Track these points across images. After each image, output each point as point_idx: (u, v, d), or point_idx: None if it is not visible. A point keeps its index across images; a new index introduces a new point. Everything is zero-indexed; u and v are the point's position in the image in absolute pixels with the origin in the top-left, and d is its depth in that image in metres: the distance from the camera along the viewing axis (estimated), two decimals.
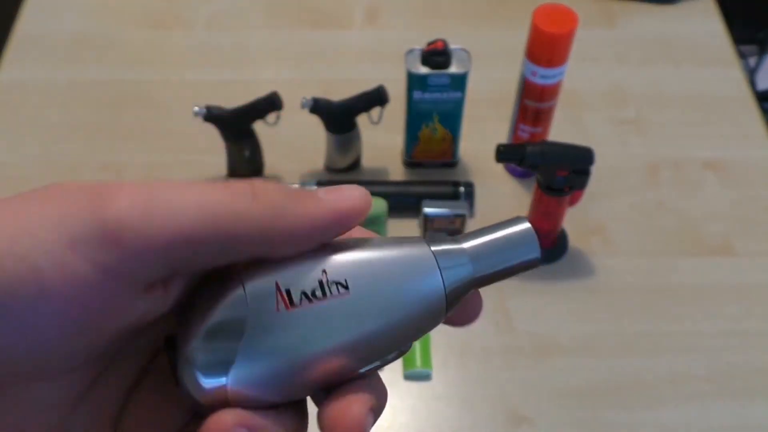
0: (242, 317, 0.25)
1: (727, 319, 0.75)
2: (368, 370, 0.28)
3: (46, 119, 0.90)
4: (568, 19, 0.71)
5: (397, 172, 0.86)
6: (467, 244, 0.28)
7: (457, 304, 0.28)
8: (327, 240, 0.27)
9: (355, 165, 0.85)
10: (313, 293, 0.26)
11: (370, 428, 0.26)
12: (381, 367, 0.29)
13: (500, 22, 1.01)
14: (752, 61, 1.74)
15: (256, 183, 0.25)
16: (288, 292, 0.26)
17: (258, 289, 0.26)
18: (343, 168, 0.85)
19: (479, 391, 0.70)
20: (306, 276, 0.26)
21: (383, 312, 0.27)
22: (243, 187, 0.25)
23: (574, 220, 0.80)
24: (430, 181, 0.82)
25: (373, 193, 0.78)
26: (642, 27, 1.01)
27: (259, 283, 0.26)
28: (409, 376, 0.71)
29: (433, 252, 0.27)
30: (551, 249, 0.79)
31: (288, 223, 0.25)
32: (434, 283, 0.27)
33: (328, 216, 0.26)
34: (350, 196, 0.27)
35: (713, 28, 1.01)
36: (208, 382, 0.25)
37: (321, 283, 0.26)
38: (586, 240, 0.80)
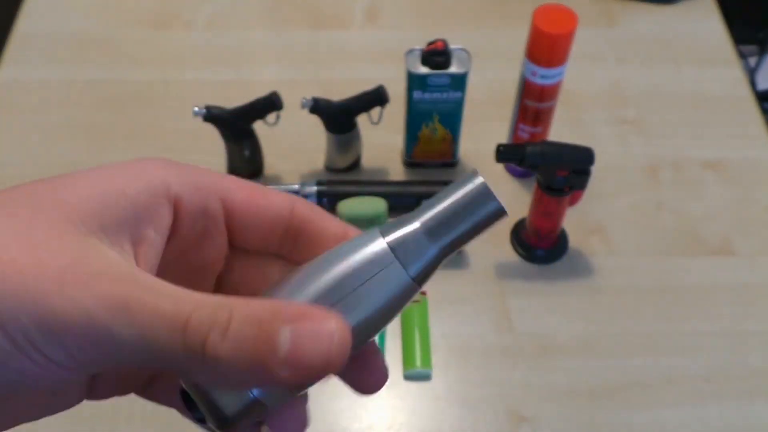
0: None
1: (727, 319, 0.75)
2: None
3: (45, 119, 0.90)
4: (568, 19, 0.71)
5: (397, 172, 0.86)
6: (421, 220, 0.28)
7: (431, 276, 0.28)
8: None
9: (355, 165, 0.85)
10: None
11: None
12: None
13: (500, 22, 1.01)
14: (752, 61, 1.74)
15: (213, 328, 0.23)
16: None
17: None
18: (343, 168, 0.85)
19: (479, 391, 0.70)
20: None
21: (355, 318, 0.27)
22: (199, 332, 0.23)
23: (574, 220, 0.80)
24: (430, 181, 0.82)
25: (373, 193, 0.78)
26: (642, 27, 1.01)
27: None
28: (409, 376, 0.71)
29: (390, 247, 0.27)
30: (551, 249, 0.79)
31: (227, 378, 0.24)
32: (399, 278, 0.27)
33: (279, 376, 0.23)
34: (317, 350, 0.23)
35: (713, 28, 1.01)
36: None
37: None
38: (586, 240, 0.80)
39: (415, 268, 0.27)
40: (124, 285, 0.23)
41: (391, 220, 0.29)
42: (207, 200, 0.27)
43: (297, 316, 0.23)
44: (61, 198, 0.24)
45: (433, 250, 0.27)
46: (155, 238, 0.26)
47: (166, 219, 0.26)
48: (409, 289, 0.27)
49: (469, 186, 0.28)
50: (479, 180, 0.28)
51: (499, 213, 0.28)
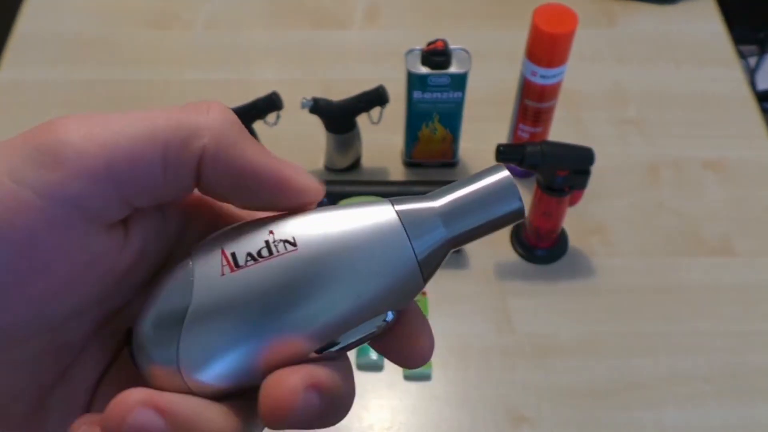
0: (188, 290, 0.24)
1: (727, 319, 0.75)
2: (330, 350, 0.25)
3: (45, 119, 0.90)
4: (568, 19, 0.71)
5: (397, 172, 0.86)
6: (438, 202, 0.25)
7: (435, 269, 0.25)
8: (265, 202, 0.25)
9: (355, 165, 0.85)
10: (259, 253, 0.24)
11: (307, 408, 0.23)
12: (345, 348, 0.25)
13: (500, 22, 1.01)
14: (752, 61, 1.74)
15: (214, 104, 0.24)
16: (233, 255, 0.24)
17: (204, 259, 0.24)
18: (343, 168, 0.85)
19: (479, 391, 0.70)
20: (252, 238, 0.25)
21: (338, 273, 0.24)
22: (197, 104, 0.24)
23: (574, 220, 0.80)
24: (430, 181, 0.82)
25: (373, 193, 0.78)
26: (642, 27, 1.01)
27: (205, 252, 0.25)
28: (409, 376, 0.71)
29: (397, 212, 0.25)
30: (551, 249, 0.79)
31: (229, 152, 0.24)
32: (400, 246, 0.25)
33: (272, 171, 0.24)
34: (302, 174, 0.25)
35: (713, 28, 1.01)
36: (160, 365, 0.24)
37: (267, 242, 0.24)
38: (586, 240, 0.80)
39: (422, 251, 0.25)
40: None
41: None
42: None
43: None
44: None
45: (444, 235, 0.25)
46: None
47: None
48: (412, 272, 0.25)
49: (494, 178, 0.26)
50: (505, 174, 0.26)
51: (519, 213, 0.26)
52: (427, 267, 0.25)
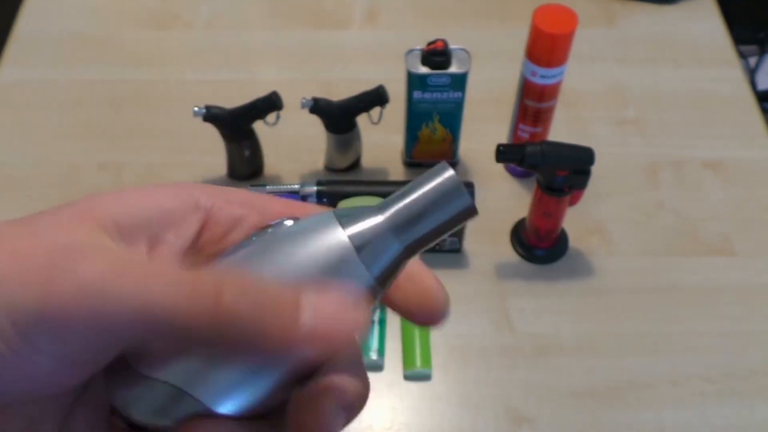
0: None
1: (727, 319, 0.75)
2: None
3: (45, 119, 0.90)
4: (568, 19, 0.71)
5: (397, 172, 0.86)
6: (386, 214, 0.25)
7: (395, 277, 0.25)
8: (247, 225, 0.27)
9: (355, 165, 0.85)
10: None
11: (339, 425, 0.23)
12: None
13: (500, 22, 1.01)
14: (752, 61, 1.74)
15: (227, 282, 0.22)
16: None
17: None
18: (343, 168, 0.85)
19: (479, 391, 0.70)
20: None
21: None
22: (207, 286, 0.22)
23: (574, 220, 0.80)
24: None
25: (373, 193, 0.78)
26: (642, 27, 1.01)
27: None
28: (409, 376, 0.71)
29: (349, 238, 0.24)
30: (551, 249, 0.79)
31: (248, 343, 0.22)
32: (357, 273, 0.24)
33: (303, 344, 0.22)
34: (342, 316, 0.23)
35: (713, 28, 1.01)
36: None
37: None
38: (586, 240, 0.80)
39: (378, 269, 0.25)
40: (110, 254, 0.23)
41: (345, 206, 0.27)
42: (241, 211, 0.27)
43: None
44: (86, 203, 0.25)
45: (398, 248, 0.25)
46: (174, 241, 0.26)
47: (191, 226, 0.26)
48: (372, 292, 0.25)
49: (438, 179, 0.25)
50: (449, 173, 0.25)
51: (470, 211, 0.25)
52: (386, 277, 0.25)
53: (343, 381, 0.24)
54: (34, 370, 0.22)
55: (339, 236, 0.24)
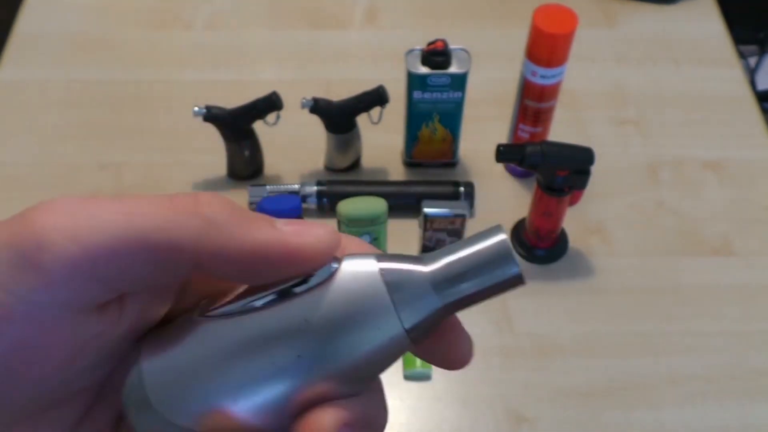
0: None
1: (727, 319, 0.75)
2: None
3: (45, 119, 0.90)
4: (568, 19, 0.71)
5: (397, 172, 0.86)
6: (431, 267, 0.24)
7: (429, 334, 0.25)
8: (276, 277, 0.24)
9: (355, 165, 0.85)
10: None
11: None
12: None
13: (500, 22, 1.01)
14: (752, 61, 1.74)
15: (201, 196, 0.23)
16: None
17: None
18: (343, 168, 0.85)
19: (479, 391, 0.70)
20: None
21: (328, 351, 0.24)
22: (185, 198, 0.23)
23: (574, 220, 0.80)
24: (430, 181, 0.82)
25: (373, 193, 0.78)
26: (642, 27, 1.01)
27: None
28: (409, 376, 0.71)
29: (386, 285, 0.24)
30: (551, 249, 0.79)
31: (225, 243, 0.22)
32: (389, 323, 0.24)
33: (275, 247, 0.23)
34: (312, 233, 0.24)
35: (713, 28, 1.01)
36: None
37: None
38: (586, 240, 0.80)
39: (411, 321, 0.24)
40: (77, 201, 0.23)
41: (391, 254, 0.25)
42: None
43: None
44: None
45: (436, 304, 0.24)
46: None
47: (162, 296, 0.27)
48: (402, 346, 0.24)
49: (490, 241, 0.24)
50: (502, 237, 0.24)
51: (517, 279, 0.24)
52: (419, 333, 0.24)
53: (347, 402, 0.24)
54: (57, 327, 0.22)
55: (379, 289, 0.24)
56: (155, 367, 0.25)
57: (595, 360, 0.72)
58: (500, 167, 0.86)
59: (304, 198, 0.80)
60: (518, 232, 0.80)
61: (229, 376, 0.24)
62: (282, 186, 0.81)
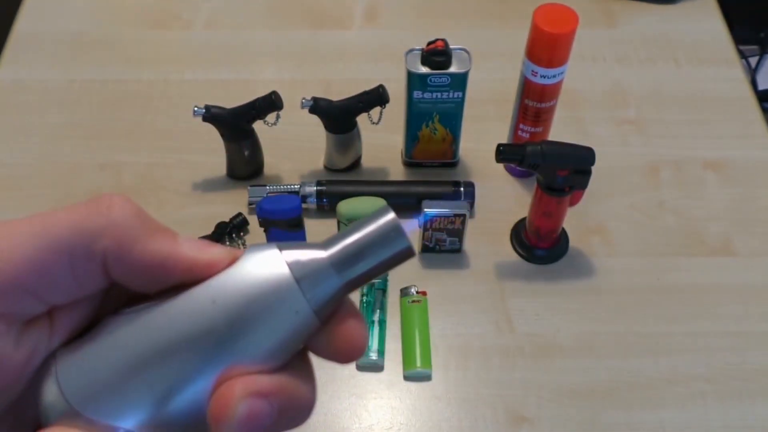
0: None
1: (727, 319, 0.75)
2: None
3: (45, 119, 0.90)
4: (569, 18, 0.71)
5: (397, 172, 0.86)
6: (330, 250, 0.26)
7: (331, 311, 0.27)
8: (170, 284, 0.26)
9: (355, 165, 0.85)
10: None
11: (254, 414, 0.24)
12: None
13: (500, 22, 1.01)
14: (753, 60, 1.74)
15: (114, 198, 0.25)
16: None
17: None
18: (343, 168, 0.84)
19: (479, 391, 0.70)
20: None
21: (237, 334, 0.25)
22: (97, 200, 0.25)
23: (574, 220, 0.80)
24: (430, 181, 0.82)
25: (373, 193, 0.78)
26: (642, 27, 1.01)
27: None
28: (409, 376, 0.71)
29: (290, 268, 0.26)
30: (551, 249, 0.79)
31: (126, 246, 0.24)
32: (296, 303, 0.26)
33: (172, 259, 0.25)
34: (211, 251, 0.26)
35: (714, 28, 1.01)
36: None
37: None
38: (586, 240, 0.80)
39: (317, 301, 0.26)
40: None
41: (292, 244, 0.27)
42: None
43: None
44: None
45: (338, 283, 0.26)
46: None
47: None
48: (310, 324, 0.26)
49: (381, 221, 0.27)
50: (390, 216, 0.27)
51: (408, 252, 0.27)
52: (324, 310, 0.26)
53: (261, 375, 0.25)
54: None
55: (281, 270, 0.26)
56: (72, 372, 0.25)
57: (595, 360, 0.72)
58: (500, 167, 0.86)
59: (304, 198, 0.80)
60: (518, 232, 0.80)
61: (147, 365, 0.25)
62: (282, 186, 0.81)
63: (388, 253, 0.27)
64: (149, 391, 0.25)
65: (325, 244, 0.27)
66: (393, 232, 0.27)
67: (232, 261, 0.26)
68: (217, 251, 0.26)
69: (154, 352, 0.25)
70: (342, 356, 0.26)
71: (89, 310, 0.27)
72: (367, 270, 0.27)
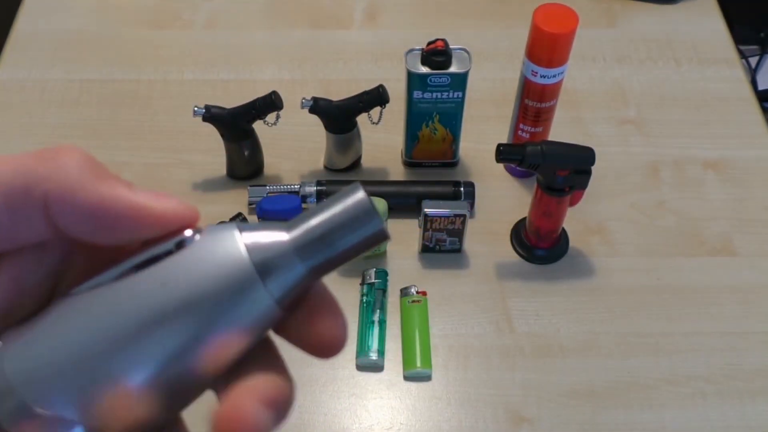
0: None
1: (727, 319, 0.75)
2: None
3: (44, 119, 0.90)
4: (569, 18, 0.71)
5: (397, 172, 0.86)
6: (293, 233, 0.24)
7: (297, 299, 0.24)
8: (129, 239, 0.24)
9: (355, 165, 0.85)
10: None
11: (270, 425, 0.23)
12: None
13: (500, 22, 1.01)
14: (753, 60, 1.74)
15: (64, 147, 0.24)
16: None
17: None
18: (343, 168, 0.84)
19: (479, 391, 0.70)
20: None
21: (192, 323, 0.23)
22: (48, 149, 0.24)
23: (574, 220, 0.80)
24: (430, 181, 0.82)
25: (373, 194, 0.78)
26: (642, 27, 1.01)
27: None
28: (409, 376, 0.71)
29: (253, 262, 0.23)
30: (551, 249, 0.79)
31: (73, 189, 0.23)
32: (261, 300, 0.23)
33: (124, 204, 0.23)
34: (167, 201, 0.24)
35: (714, 28, 1.01)
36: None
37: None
38: (586, 240, 0.80)
39: (279, 290, 0.23)
40: None
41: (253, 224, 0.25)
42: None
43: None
44: None
45: (301, 270, 0.24)
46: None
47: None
48: (271, 313, 0.24)
49: (349, 200, 0.24)
50: (360, 194, 0.24)
51: (380, 235, 0.24)
52: (287, 299, 0.24)
53: (267, 380, 0.24)
54: None
55: (239, 254, 0.23)
56: (18, 354, 0.24)
57: (595, 360, 0.72)
58: (500, 167, 0.86)
59: (304, 198, 0.80)
60: (518, 232, 0.80)
61: (93, 347, 0.23)
62: (282, 186, 0.81)
63: (357, 237, 0.24)
64: (96, 382, 0.23)
65: (288, 226, 0.24)
66: (363, 214, 0.23)
67: (191, 220, 0.24)
68: (173, 204, 0.24)
69: (100, 340, 0.23)
70: (317, 351, 0.24)
71: (39, 271, 0.25)
72: (334, 256, 0.24)
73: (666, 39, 1.00)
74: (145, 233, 0.24)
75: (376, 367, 0.71)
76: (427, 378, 0.71)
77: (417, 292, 0.74)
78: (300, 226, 0.24)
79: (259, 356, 0.25)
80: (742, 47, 1.53)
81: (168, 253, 0.24)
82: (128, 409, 0.23)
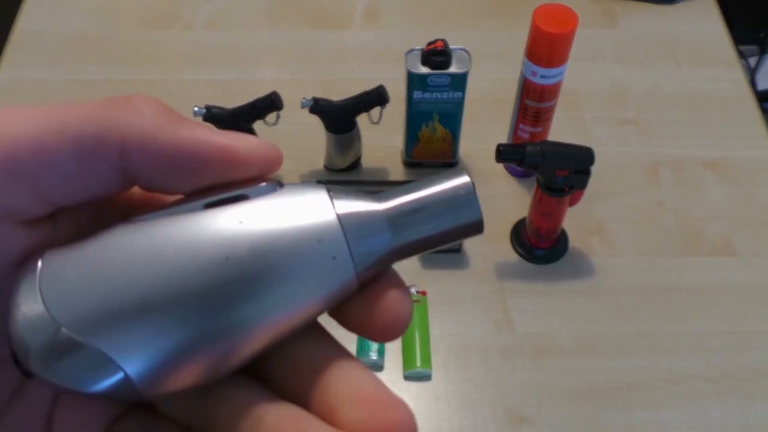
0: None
1: (727, 319, 0.75)
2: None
3: None
4: (569, 19, 0.71)
5: (397, 172, 0.86)
6: (387, 204, 0.22)
7: (374, 277, 0.22)
8: (210, 183, 0.22)
9: (355, 165, 0.85)
10: None
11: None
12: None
13: (500, 22, 1.01)
14: (753, 61, 1.74)
15: (136, 95, 0.22)
16: None
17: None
18: (343, 168, 0.85)
19: (479, 391, 0.70)
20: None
21: (266, 281, 0.21)
22: (117, 97, 0.22)
23: (574, 220, 0.80)
24: None
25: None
26: (642, 27, 1.01)
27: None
28: (409, 376, 0.71)
29: (338, 214, 0.21)
30: (551, 249, 0.79)
31: (152, 134, 0.21)
32: (337, 255, 0.21)
33: (205, 146, 0.22)
34: (250, 140, 0.22)
35: (714, 28, 1.01)
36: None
37: None
38: (586, 240, 0.80)
39: (362, 262, 0.21)
40: None
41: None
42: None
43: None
44: None
45: (391, 243, 0.22)
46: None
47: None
48: (348, 283, 0.22)
49: (453, 182, 0.22)
50: (465, 179, 0.22)
51: (478, 226, 0.22)
52: (367, 272, 0.22)
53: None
54: None
55: (327, 211, 0.21)
56: (61, 277, 0.21)
57: (595, 360, 0.72)
58: (500, 167, 0.86)
59: None
60: (518, 232, 0.80)
61: (151, 279, 0.20)
62: None
63: (454, 221, 0.22)
64: (152, 322, 0.20)
65: (380, 197, 0.22)
66: (466, 199, 0.22)
67: (276, 161, 0.23)
68: (256, 143, 0.22)
69: (161, 272, 0.20)
70: (381, 331, 0.22)
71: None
72: (426, 236, 0.22)
73: (666, 39, 1.00)
74: (230, 175, 0.22)
75: (376, 367, 0.71)
76: (427, 378, 0.71)
77: (417, 292, 0.74)
78: (395, 198, 0.22)
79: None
80: (741, 47, 1.53)
81: (244, 197, 0.22)
82: (185, 362, 0.21)
